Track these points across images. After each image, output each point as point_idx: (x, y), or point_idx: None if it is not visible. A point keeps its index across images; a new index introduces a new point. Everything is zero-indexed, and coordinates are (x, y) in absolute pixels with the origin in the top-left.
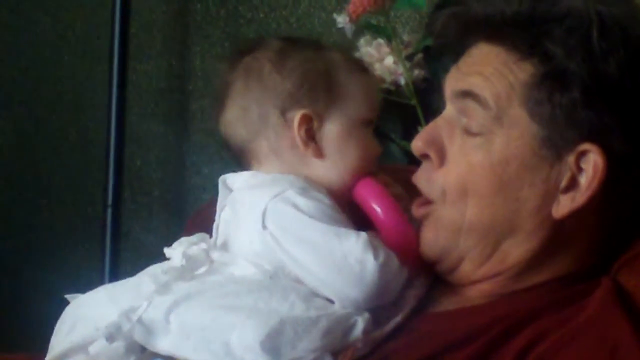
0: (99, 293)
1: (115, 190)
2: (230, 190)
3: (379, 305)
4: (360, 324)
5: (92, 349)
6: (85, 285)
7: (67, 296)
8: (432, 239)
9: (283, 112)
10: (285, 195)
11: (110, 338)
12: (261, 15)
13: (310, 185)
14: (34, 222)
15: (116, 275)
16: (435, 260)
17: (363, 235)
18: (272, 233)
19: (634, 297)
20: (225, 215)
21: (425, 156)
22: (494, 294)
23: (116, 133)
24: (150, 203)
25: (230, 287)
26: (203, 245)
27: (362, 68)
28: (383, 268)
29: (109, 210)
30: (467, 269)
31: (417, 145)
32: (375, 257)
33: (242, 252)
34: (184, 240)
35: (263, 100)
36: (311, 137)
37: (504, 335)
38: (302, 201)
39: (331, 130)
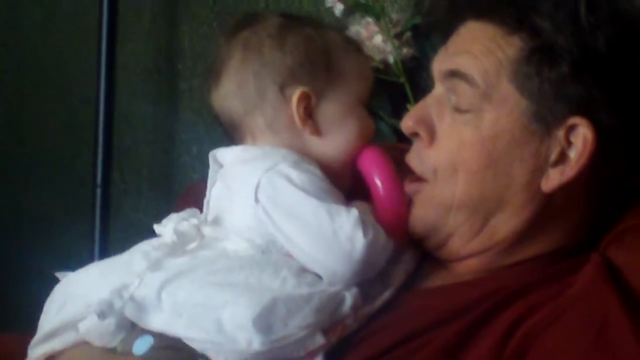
0: (89, 270)
1: (104, 169)
2: (221, 166)
3: (364, 279)
4: (349, 299)
5: (82, 326)
6: (75, 264)
7: (58, 274)
8: (421, 216)
9: (282, 88)
10: (278, 169)
11: (101, 315)
12: None
13: (302, 158)
14: (23, 202)
15: (106, 254)
16: (424, 237)
17: (354, 212)
18: (264, 207)
19: (623, 272)
20: (216, 191)
21: (416, 135)
22: (483, 270)
23: (105, 113)
24: (140, 182)
25: (222, 263)
26: (194, 221)
27: (358, 48)
28: (371, 245)
29: (98, 190)
30: (456, 245)
31: (407, 124)
32: (365, 234)
33: (235, 227)
34: (174, 216)
35: (262, 75)
36: (309, 114)
37: (493, 310)
38: (295, 174)
39: (329, 108)
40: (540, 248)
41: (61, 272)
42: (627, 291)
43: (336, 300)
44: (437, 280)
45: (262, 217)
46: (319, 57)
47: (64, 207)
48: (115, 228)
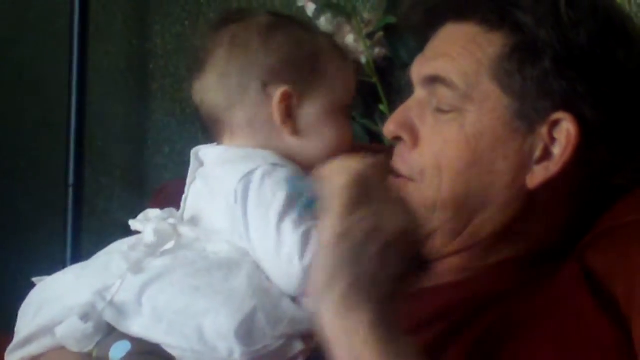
0: (66, 274)
1: (76, 170)
2: (202, 164)
3: None
4: None
5: (59, 330)
6: (48, 265)
7: (34, 279)
8: None
9: (265, 86)
10: (256, 172)
11: (84, 317)
12: None
13: (282, 162)
14: None
15: (79, 254)
16: None
17: (299, 230)
18: (238, 209)
19: (598, 278)
20: (195, 189)
21: (399, 139)
22: (465, 268)
23: (77, 113)
24: (112, 182)
25: (202, 264)
26: (171, 220)
27: (345, 56)
28: (307, 269)
29: (71, 190)
30: (438, 244)
31: (389, 129)
32: (301, 257)
33: (215, 228)
34: (152, 216)
35: (246, 71)
36: (289, 114)
37: (470, 316)
38: (267, 182)
39: (310, 110)
40: (523, 248)
41: (38, 277)
42: (602, 295)
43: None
44: (421, 282)
45: (239, 219)
46: (305, 59)
47: (36, 207)
48: (88, 228)
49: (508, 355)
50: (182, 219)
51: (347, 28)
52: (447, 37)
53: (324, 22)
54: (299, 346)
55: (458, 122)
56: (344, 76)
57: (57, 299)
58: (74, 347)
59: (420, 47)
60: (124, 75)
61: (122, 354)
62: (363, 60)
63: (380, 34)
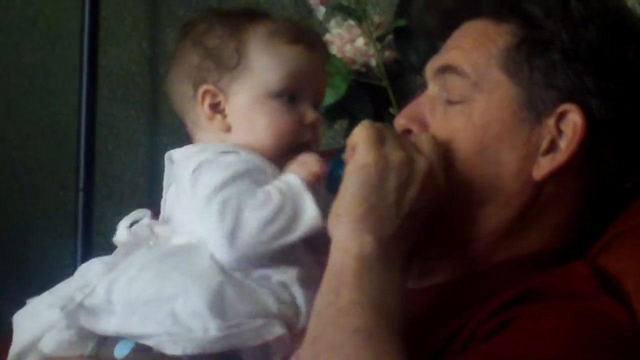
0: (45, 294)
1: (86, 174)
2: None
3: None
4: (300, 299)
5: (42, 344)
6: (58, 269)
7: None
8: None
9: (195, 88)
10: (204, 163)
11: (64, 308)
12: None
13: (234, 149)
14: (5, 206)
15: (88, 259)
16: None
17: (222, 197)
18: (191, 200)
19: (613, 281)
20: (172, 191)
21: (409, 131)
22: (469, 265)
23: (87, 117)
24: (122, 186)
25: (165, 251)
26: (145, 221)
27: (291, 40)
28: (230, 234)
29: (81, 194)
30: (445, 236)
31: (400, 122)
32: (221, 221)
33: (180, 222)
34: (126, 217)
35: (181, 76)
36: (219, 111)
37: (470, 316)
38: (211, 168)
39: (236, 103)
40: (528, 247)
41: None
42: (614, 293)
43: (283, 294)
44: (425, 281)
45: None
46: (224, 54)
47: (46, 211)
48: (98, 232)
49: (514, 355)
50: (160, 220)
51: (358, 31)
52: (461, 33)
53: (334, 25)
54: (278, 330)
55: (466, 112)
56: (277, 61)
57: (35, 314)
58: (67, 353)
59: (430, 50)
60: (134, 79)
61: (127, 351)
62: (373, 63)
63: (391, 37)
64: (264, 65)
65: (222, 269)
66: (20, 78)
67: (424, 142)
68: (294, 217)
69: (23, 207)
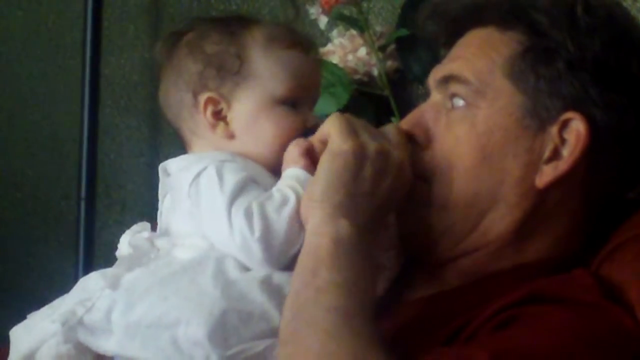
0: (44, 308)
1: (88, 183)
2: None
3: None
4: None
5: (40, 357)
6: (60, 279)
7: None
8: (415, 214)
9: (195, 95)
10: (204, 172)
11: (65, 323)
12: (234, 7)
13: (233, 158)
14: (7, 215)
15: (91, 269)
16: (416, 236)
17: (243, 205)
18: (195, 209)
19: (616, 290)
20: (167, 202)
21: (412, 138)
22: (472, 273)
23: (89, 126)
24: (124, 196)
25: (167, 271)
26: (145, 234)
27: (289, 45)
28: (263, 237)
29: (83, 204)
30: (447, 244)
31: (403, 128)
32: (250, 228)
33: (179, 234)
34: (128, 231)
35: (178, 84)
36: (221, 118)
37: (476, 324)
38: (214, 177)
39: (240, 110)
40: (530, 255)
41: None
42: (616, 301)
43: (283, 299)
44: (427, 289)
45: (196, 217)
46: (226, 60)
47: (48, 221)
48: (100, 241)
49: (519, 347)
50: (158, 232)
51: (360, 41)
52: (465, 42)
53: (336, 35)
54: None
55: (469, 119)
56: (279, 67)
57: (32, 327)
58: None
59: (433, 59)
60: (136, 89)
61: None
62: (375, 72)
63: (393, 47)
64: (268, 71)
65: (225, 290)
66: (22, 88)
67: (392, 134)
68: None
69: (25, 217)
